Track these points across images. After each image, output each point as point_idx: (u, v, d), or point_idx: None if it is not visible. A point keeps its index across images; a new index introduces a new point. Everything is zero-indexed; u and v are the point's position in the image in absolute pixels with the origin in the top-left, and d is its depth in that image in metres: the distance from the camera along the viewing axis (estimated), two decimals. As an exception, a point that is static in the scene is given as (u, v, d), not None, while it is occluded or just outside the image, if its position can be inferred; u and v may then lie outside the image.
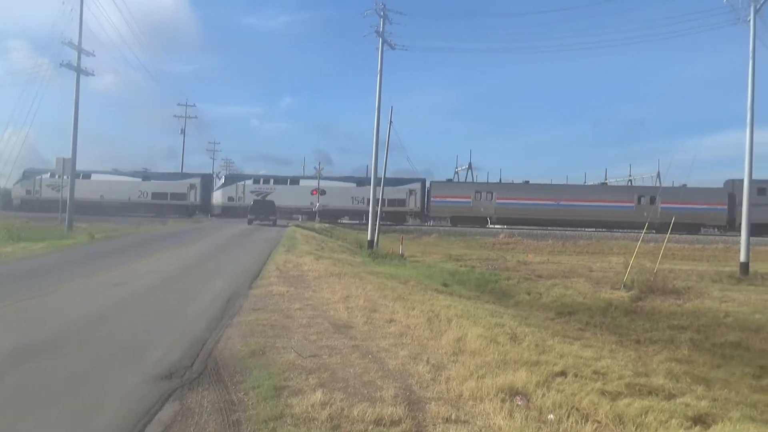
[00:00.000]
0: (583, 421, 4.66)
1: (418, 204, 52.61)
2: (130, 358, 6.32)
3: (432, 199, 52.34)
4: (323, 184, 53.28)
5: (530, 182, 53.91)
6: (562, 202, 49.10)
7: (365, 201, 44.44)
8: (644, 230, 25.47)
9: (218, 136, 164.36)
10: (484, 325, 8.40)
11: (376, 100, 31.88)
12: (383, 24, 31.76)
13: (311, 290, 11.65)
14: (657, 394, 5.51)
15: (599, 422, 4.67)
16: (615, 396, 5.30)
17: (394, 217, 50.93)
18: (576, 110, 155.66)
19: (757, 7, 23.69)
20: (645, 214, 42.08)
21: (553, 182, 53.78)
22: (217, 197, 54.56)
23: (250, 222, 40.22)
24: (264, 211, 41.28)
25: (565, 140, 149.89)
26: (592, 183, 56.79)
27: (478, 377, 5.69)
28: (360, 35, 32.58)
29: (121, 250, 19.65)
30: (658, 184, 47.76)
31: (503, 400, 5.04)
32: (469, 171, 67.35)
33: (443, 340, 7.54)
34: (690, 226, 43.94)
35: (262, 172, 59.95)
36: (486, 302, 14.10)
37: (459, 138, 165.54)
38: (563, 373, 5.97)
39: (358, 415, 4.58)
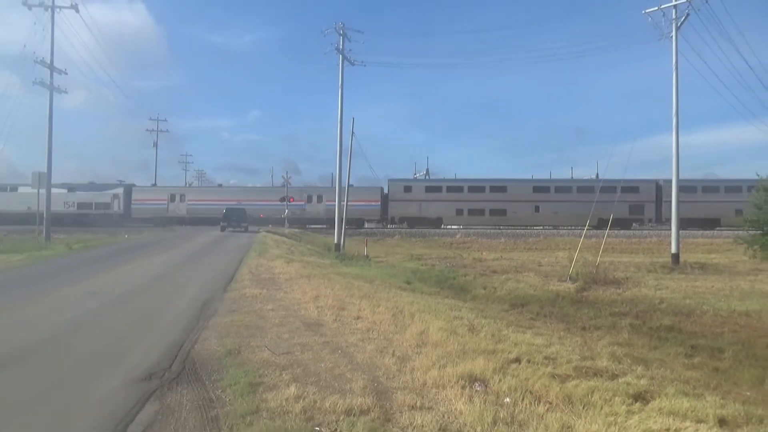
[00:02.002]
0: (536, 402, 4.74)
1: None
2: (110, 362, 6.15)
3: (133, 202, 53.46)
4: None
5: (222, 186, 58.44)
6: (243, 202, 49.97)
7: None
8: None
9: (190, 149, 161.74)
10: (445, 319, 8.46)
11: (339, 112, 31.86)
12: (343, 42, 31.79)
13: (283, 291, 11.54)
14: (602, 375, 5.64)
15: (550, 403, 4.76)
16: (564, 378, 5.41)
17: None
18: (522, 118, 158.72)
19: (678, 25, 24.54)
20: (309, 210, 50.33)
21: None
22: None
23: (222, 229, 39.84)
24: (236, 219, 40.94)
25: (515, 145, 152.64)
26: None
27: (440, 366, 5.73)
28: (322, 51, 32.29)
29: (100, 259, 19.08)
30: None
31: (463, 387, 5.09)
32: (427, 176, 67.91)
33: (407, 333, 7.57)
34: (352, 221, 45.28)
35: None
36: (446, 297, 14.18)
37: (418, 146, 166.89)
38: (518, 360, 6.06)
39: (329, 407, 4.56)
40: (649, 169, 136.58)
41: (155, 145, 68.26)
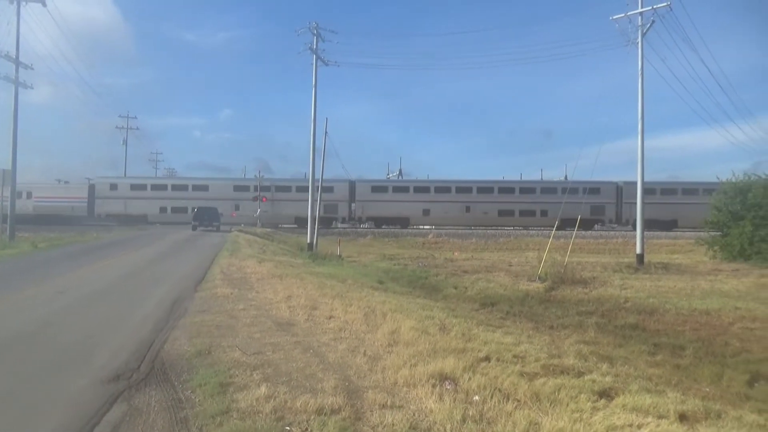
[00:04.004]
0: (505, 400, 4.79)
1: None
2: (77, 363, 6.01)
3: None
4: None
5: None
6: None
7: None
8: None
9: (162, 147, 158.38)
10: (416, 318, 8.50)
11: (312, 112, 31.64)
12: (316, 42, 31.61)
13: (255, 291, 11.43)
14: (568, 373, 5.74)
15: (519, 400, 4.82)
16: (532, 376, 5.48)
17: None
18: (495, 121, 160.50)
19: (644, 31, 25.08)
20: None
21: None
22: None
23: (194, 228, 39.21)
24: (207, 218, 40.38)
25: (487, 147, 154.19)
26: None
27: (411, 365, 5.75)
28: (296, 51, 32.03)
29: (66, 258, 18.62)
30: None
31: (434, 386, 5.11)
32: (400, 176, 68.13)
33: (379, 333, 7.57)
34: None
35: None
36: (417, 297, 14.23)
37: (391, 146, 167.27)
38: (487, 358, 6.12)
39: (300, 406, 4.54)
40: (616, 171, 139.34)
41: (125, 142, 67.12)
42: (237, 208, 52.94)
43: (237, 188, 54.68)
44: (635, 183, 25.91)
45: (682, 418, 4.55)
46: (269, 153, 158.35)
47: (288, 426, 4.20)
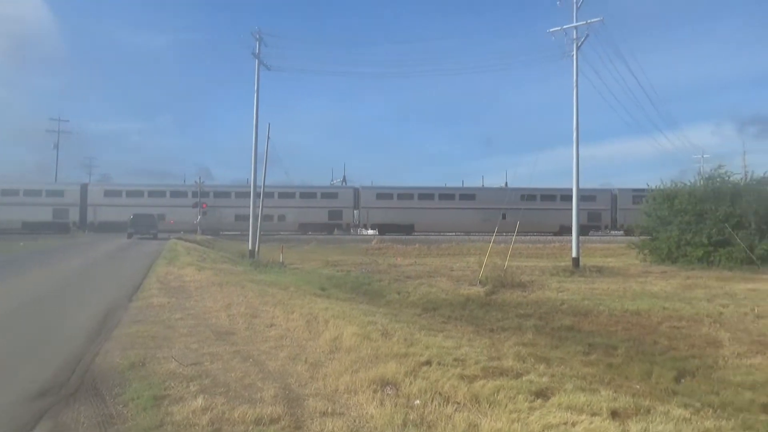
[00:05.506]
0: (445, 403, 4.84)
1: None
2: (-2, 380, 5.65)
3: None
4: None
5: None
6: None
7: None
8: None
9: (97, 152, 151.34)
10: (359, 324, 8.47)
11: (254, 117, 31.16)
12: (259, 46, 31.25)
13: (193, 300, 11.10)
14: (507, 375, 5.85)
15: (459, 403, 4.88)
16: (472, 379, 5.56)
17: None
18: (437, 129, 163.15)
19: (578, 44, 26.14)
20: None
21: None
22: None
23: (129, 236, 37.76)
24: (144, 225, 38.97)
25: (431, 154, 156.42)
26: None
27: (352, 372, 5.73)
28: (239, 55, 31.63)
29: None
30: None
31: (375, 391, 5.11)
32: (344, 183, 68.05)
33: (321, 340, 7.51)
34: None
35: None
36: (360, 303, 14.20)
37: (336, 153, 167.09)
38: (428, 362, 6.16)
39: (238, 417, 4.44)
40: (552, 178, 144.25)
41: (56, 146, 64.09)
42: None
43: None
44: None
45: (614, 414, 4.72)
46: (212, 159, 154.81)
47: (225, 438, 4.09)
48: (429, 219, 54.20)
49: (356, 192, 54.80)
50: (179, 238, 37.83)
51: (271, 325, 8.58)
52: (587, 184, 62.60)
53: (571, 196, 40.50)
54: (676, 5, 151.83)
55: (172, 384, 5.38)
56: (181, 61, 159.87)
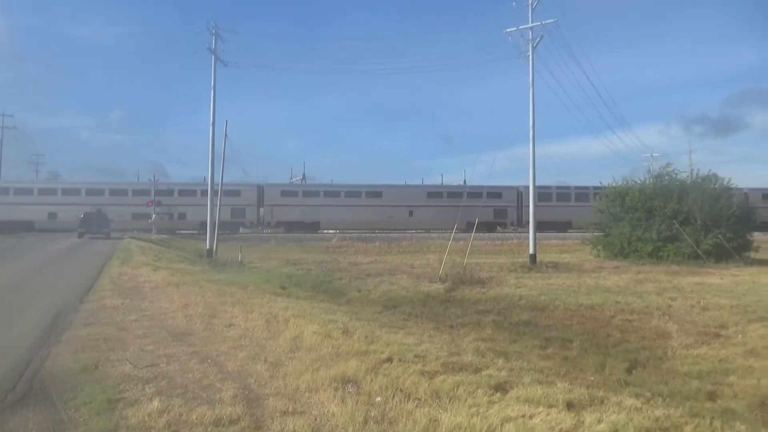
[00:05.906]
0: (406, 399, 4.86)
1: None
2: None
3: None
4: None
5: None
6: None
7: None
8: None
9: (44, 148, 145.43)
10: (319, 323, 8.42)
11: (211, 114, 30.60)
12: (216, 42, 30.68)
13: (148, 301, 10.83)
14: (467, 370, 5.92)
15: (419, 399, 4.91)
16: (432, 375, 5.60)
17: None
18: (392, 127, 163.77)
19: (534, 45, 26.66)
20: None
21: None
22: None
23: (80, 236, 36.40)
24: (96, 224, 37.69)
25: (391, 152, 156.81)
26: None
27: (313, 370, 5.69)
28: (194, 50, 30.93)
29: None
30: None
31: (336, 389, 5.10)
32: (304, 181, 67.61)
33: (281, 339, 7.44)
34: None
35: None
36: (321, 301, 14.13)
37: (296, 151, 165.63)
38: (389, 359, 6.17)
39: (197, 419, 4.35)
40: (510, 176, 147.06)
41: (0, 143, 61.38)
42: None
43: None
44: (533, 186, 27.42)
45: (570, 406, 4.84)
46: (165, 156, 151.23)
47: (183, 440, 4.01)
48: (335, 216, 53.91)
49: (260, 189, 53.59)
50: (133, 238, 36.81)
51: (230, 325, 8.46)
52: (544, 181, 64.07)
53: (480, 194, 41.43)
54: (627, 9, 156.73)
55: (127, 387, 5.23)
56: (132, 56, 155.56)
